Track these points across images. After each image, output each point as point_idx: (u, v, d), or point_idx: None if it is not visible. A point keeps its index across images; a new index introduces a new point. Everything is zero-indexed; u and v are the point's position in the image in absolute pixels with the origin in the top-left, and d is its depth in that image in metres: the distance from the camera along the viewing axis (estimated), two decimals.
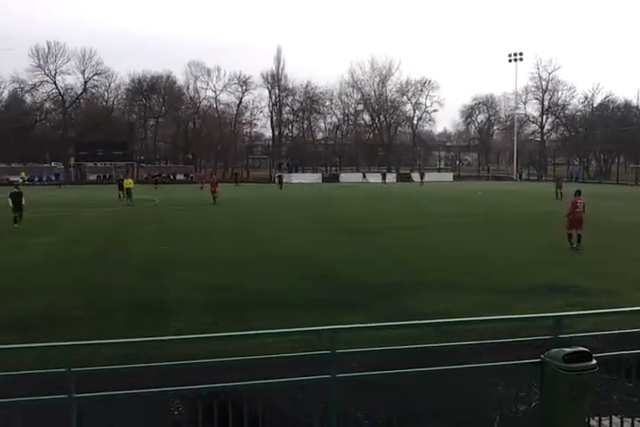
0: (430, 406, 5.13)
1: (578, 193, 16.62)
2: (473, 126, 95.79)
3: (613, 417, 4.90)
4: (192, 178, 69.53)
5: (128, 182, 37.42)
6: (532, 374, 4.59)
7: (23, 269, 13.68)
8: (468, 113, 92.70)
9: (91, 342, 4.85)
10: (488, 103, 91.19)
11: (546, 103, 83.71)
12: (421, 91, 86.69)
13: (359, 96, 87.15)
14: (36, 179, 65.89)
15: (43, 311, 9.59)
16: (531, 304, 9.67)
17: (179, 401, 5.21)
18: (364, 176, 69.72)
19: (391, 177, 75.09)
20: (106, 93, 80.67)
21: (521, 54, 76.66)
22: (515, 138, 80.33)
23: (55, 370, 4.00)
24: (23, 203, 22.80)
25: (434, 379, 4.72)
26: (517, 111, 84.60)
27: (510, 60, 77.54)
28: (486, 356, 4.59)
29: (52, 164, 76.94)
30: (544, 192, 40.33)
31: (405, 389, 4.56)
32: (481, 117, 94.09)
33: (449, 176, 77.24)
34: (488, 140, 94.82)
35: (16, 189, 23.51)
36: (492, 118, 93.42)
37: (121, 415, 4.30)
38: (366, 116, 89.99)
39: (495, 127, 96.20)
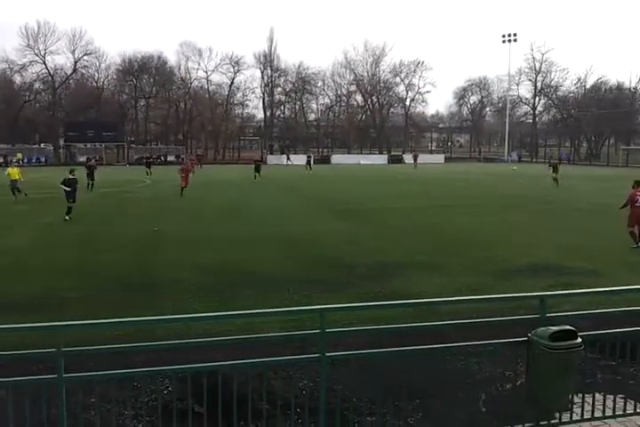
0: (416, 384, 5.20)
1: (637, 184, 13.73)
2: (465, 108, 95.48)
3: (596, 394, 4.99)
4: (182, 159, 69.01)
5: (12, 172, 25.04)
6: (519, 353, 4.64)
7: (20, 249, 13.68)
8: (461, 94, 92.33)
9: (79, 322, 4.86)
10: (481, 85, 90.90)
11: (539, 84, 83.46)
12: (414, 72, 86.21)
13: (352, 77, 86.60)
14: (26, 160, 65.12)
15: (38, 292, 9.62)
16: None
17: (168, 381, 5.25)
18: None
19: (382, 159, 74.95)
20: (96, 74, 79.31)
21: (515, 35, 76.18)
22: (507, 119, 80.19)
23: (45, 350, 3.96)
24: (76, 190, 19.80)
25: (420, 358, 4.78)
26: (510, 93, 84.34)
27: (504, 41, 77.10)
28: (471, 335, 4.64)
29: (42, 145, 76.15)
30: (538, 175, 40.48)
31: (392, 367, 4.61)
32: (474, 99, 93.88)
33: (440, 158, 77.41)
34: (480, 122, 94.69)
35: (71, 176, 20.04)
36: (484, 100, 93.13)
37: (110, 395, 4.32)
38: (359, 97, 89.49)
39: (487, 109, 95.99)
